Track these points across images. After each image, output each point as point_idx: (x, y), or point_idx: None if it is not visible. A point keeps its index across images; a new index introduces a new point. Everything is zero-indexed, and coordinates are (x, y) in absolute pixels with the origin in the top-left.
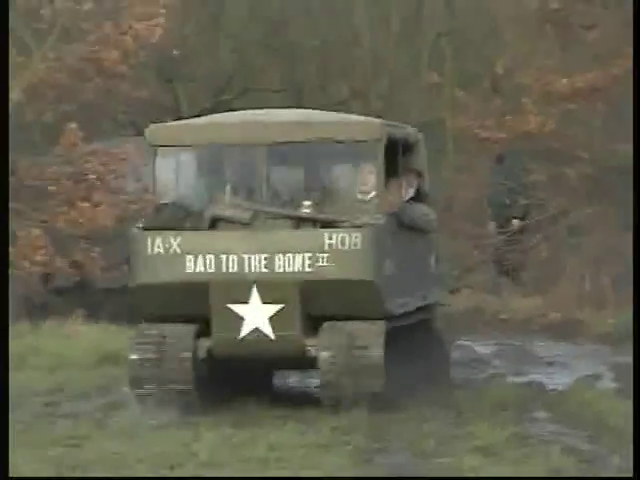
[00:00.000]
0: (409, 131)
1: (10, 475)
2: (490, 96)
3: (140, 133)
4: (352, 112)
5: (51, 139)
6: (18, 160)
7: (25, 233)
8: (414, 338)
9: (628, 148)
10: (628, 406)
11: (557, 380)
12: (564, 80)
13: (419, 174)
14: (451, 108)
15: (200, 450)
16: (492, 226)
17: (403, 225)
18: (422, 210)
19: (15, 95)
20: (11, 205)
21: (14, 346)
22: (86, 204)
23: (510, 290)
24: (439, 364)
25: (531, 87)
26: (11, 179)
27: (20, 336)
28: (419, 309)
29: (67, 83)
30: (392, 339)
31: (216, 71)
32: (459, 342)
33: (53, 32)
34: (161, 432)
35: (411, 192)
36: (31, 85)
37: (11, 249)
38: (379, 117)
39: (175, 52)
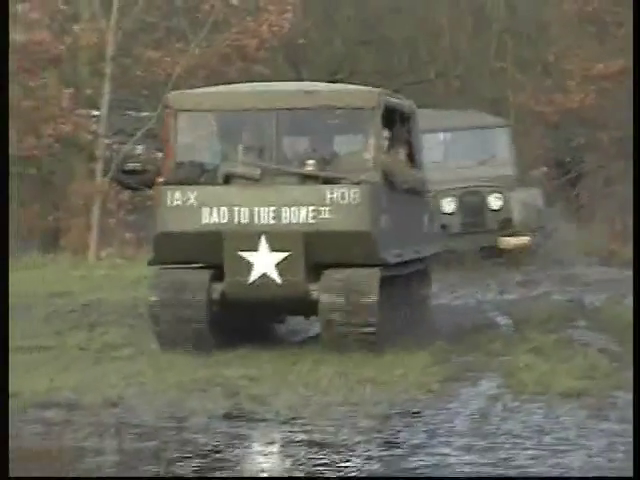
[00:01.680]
0: (405, 103)
1: (10, 475)
2: (542, 78)
3: None
4: (436, 90)
5: None
6: None
7: None
8: (412, 285)
9: None
10: None
11: (594, 297)
12: (600, 65)
13: (410, 142)
14: (512, 88)
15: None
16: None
17: (397, 187)
18: (415, 174)
19: (175, 72)
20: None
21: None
22: None
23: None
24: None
25: (574, 71)
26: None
27: None
28: (415, 261)
29: (216, 65)
30: (391, 285)
31: (330, 57)
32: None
33: (206, 24)
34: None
35: (403, 158)
36: (188, 66)
37: None
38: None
39: (300, 41)
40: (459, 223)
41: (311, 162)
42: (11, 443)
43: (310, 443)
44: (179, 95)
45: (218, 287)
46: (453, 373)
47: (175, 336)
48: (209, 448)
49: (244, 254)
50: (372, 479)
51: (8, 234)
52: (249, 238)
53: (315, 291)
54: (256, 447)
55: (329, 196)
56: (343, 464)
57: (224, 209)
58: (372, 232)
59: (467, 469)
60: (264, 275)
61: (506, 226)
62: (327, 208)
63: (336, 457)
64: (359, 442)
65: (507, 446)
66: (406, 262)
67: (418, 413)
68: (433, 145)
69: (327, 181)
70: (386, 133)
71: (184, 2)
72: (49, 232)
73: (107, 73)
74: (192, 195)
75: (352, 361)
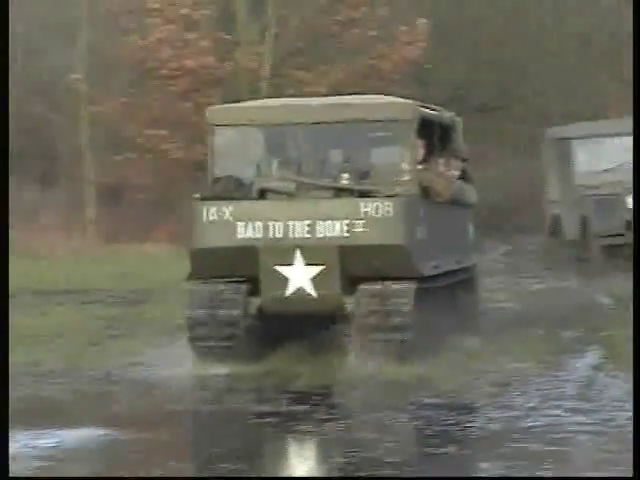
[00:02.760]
0: (445, 114)
1: (10, 475)
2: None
3: None
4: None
5: None
6: None
7: None
8: (456, 294)
9: None
10: None
11: None
12: None
13: (463, 159)
14: (609, 102)
15: None
16: None
17: (436, 198)
18: (462, 187)
19: (321, 90)
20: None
21: None
22: None
23: None
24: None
25: None
26: None
27: None
28: (458, 271)
29: (356, 85)
30: (429, 295)
31: (453, 76)
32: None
33: (346, 49)
34: None
35: (456, 173)
36: (331, 85)
37: None
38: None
39: (427, 66)
40: None
41: (346, 175)
42: (182, 407)
43: (439, 406)
44: (216, 110)
45: (254, 301)
46: (562, 346)
47: (212, 350)
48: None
49: (280, 268)
50: (372, 479)
51: (8, 233)
52: (284, 252)
53: (350, 304)
54: (393, 407)
55: (363, 209)
56: (468, 424)
57: (259, 224)
58: (406, 245)
59: (575, 428)
60: (300, 289)
61: None
62: (361, 221)
63: (462, 418)
64: (481, 405)
65: (609, 408)
66: (446, 272)
67: (532, 380)
68: (612, 149)
69: (362, 194)
70: (422, 144)
71: (328, 30)
72: None
73: (263, 91)
74: (227, 210)
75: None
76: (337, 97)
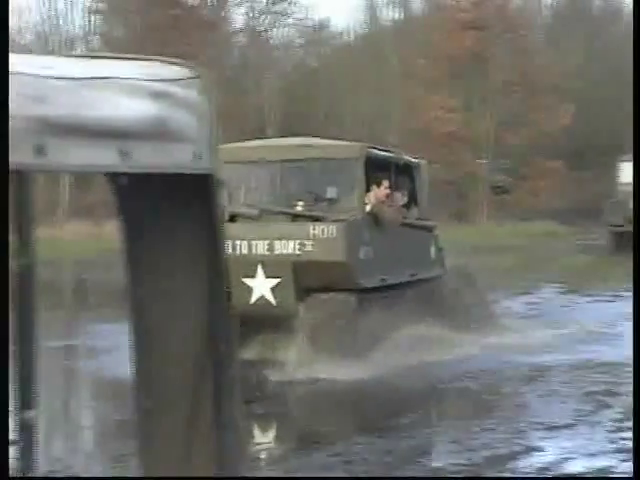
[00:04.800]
0: (402, 157)
1: (10, 475)
2: None
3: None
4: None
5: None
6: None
7: None
8: (415, 299)
9: None
10: None
11: None
12: None
13: (411, 188)
14: None
15: None
16: None
17: (386, 223)
18: (411, 213)
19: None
20: None
21: None
22: None
23: None
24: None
25: None
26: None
27: None
28: (412, 282)
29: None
30: (383, 301)
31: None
32: None
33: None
34: None
35: (402, 201)
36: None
37: None
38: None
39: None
40: None
41: (300, 203)
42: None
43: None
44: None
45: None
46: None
47: None
48: None
49: (245, 280)
50: (371, 479)
51: (8, 234)
52: (248, 267)
53: (302, 311)
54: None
55: (312, 232)
56: None
57: (228, 242)
58: (348, 262)
59: None
60: (262, 297)
61: None
62: (310, 242)
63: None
64: None
65: None
66: (397, 284)
67: None
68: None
69: (313, 219)
70: (370, 180)
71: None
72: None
73: (484, 155)
74: None
75: None
76: (304, 139)
